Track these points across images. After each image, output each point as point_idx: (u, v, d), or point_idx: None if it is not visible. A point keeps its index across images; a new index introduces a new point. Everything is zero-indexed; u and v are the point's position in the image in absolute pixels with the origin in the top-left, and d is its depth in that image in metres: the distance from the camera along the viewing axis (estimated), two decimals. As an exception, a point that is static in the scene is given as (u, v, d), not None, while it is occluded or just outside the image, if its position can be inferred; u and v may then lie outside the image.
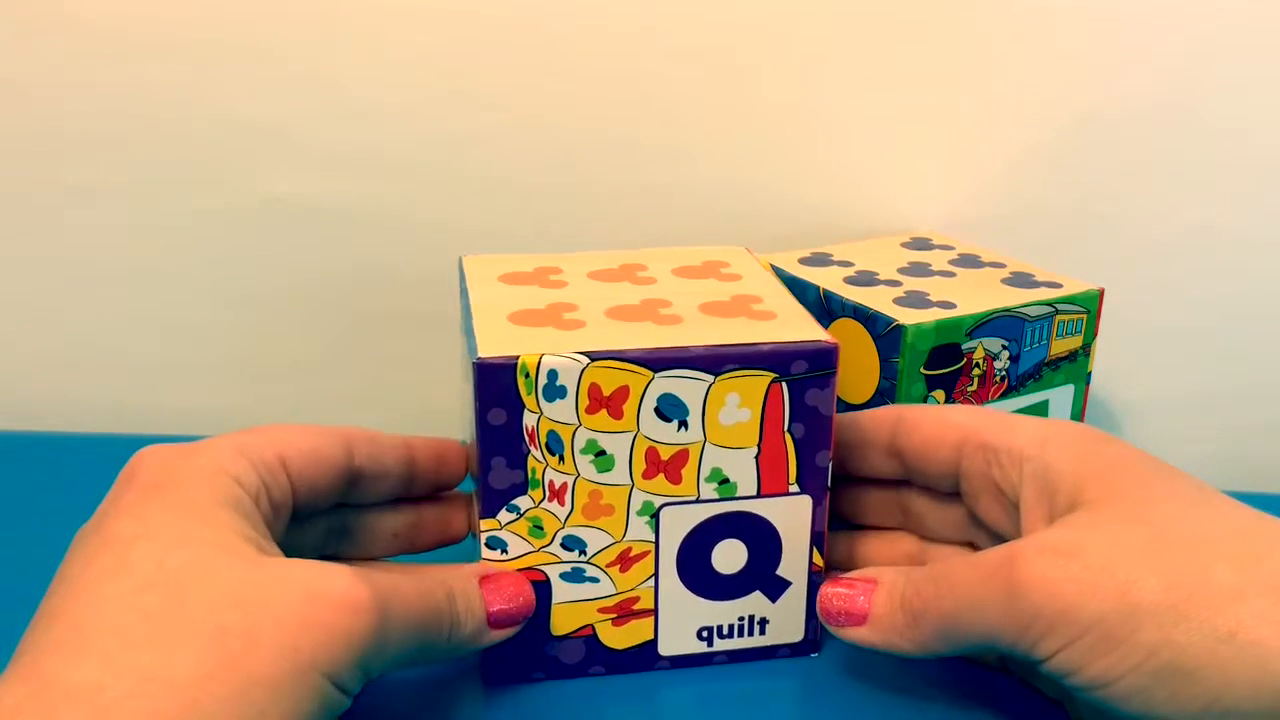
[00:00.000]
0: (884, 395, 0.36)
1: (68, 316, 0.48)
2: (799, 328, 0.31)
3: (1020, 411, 0.39)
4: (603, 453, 0.30)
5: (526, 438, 0.30)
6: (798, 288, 0.39)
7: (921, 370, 0.36)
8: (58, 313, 0.48)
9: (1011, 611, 0.26)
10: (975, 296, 0.38)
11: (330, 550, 0.33)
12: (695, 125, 0.46)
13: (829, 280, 0.39)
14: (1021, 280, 0.40)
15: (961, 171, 0.48)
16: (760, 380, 0.29)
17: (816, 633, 0.33)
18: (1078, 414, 0.41)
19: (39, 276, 0.48)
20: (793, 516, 0.32)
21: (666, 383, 0.29)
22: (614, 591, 0.31)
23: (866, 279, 0.40)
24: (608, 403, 0.29)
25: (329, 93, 0.45)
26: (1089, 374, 0.41)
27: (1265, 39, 0.46)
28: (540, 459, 0.30)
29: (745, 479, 0.31)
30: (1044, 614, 0.25)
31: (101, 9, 0.44)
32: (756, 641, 0.33)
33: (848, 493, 0.35)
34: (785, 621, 0.33)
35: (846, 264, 0.41)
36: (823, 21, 0.46)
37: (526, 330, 0.30)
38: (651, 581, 0.31)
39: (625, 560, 0.31)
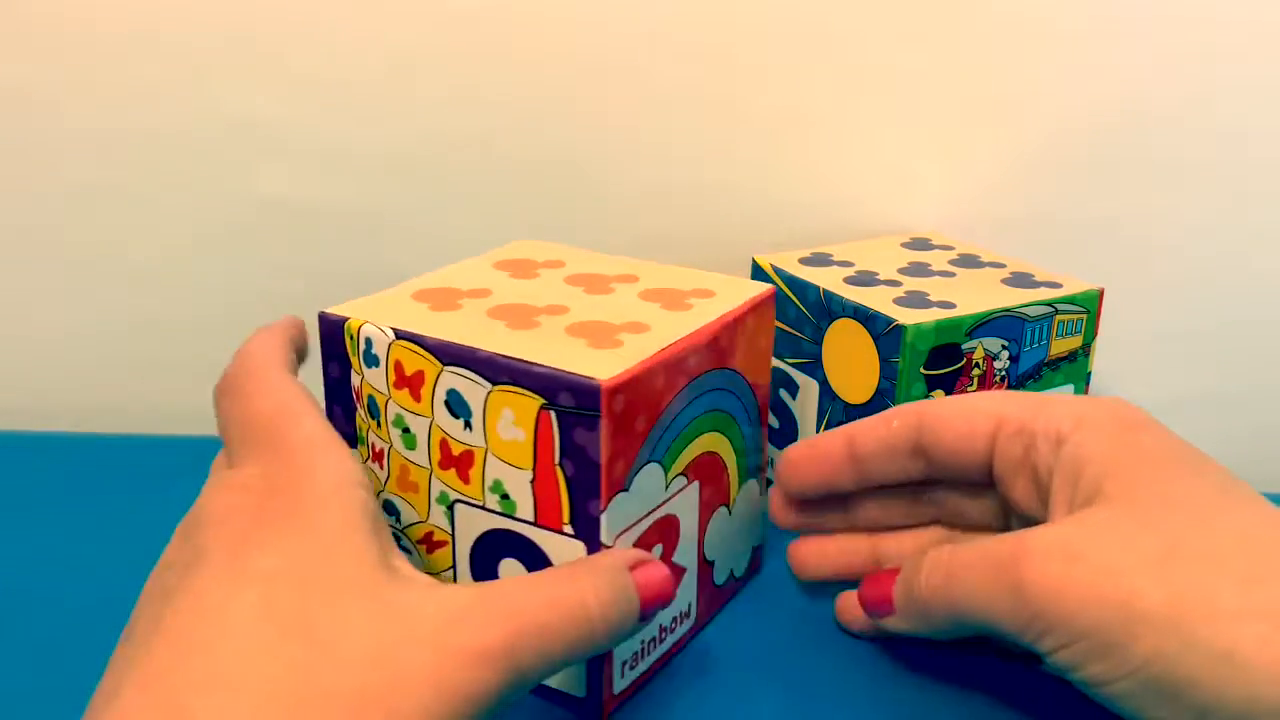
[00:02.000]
0: (883, 395, 0.36)
1: (68, 316, 0.48)
2: (594, 360, 0.28)
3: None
4: (408, 430, 0.30)
5: (354, 396, 0.31)
6: (798, 288, 0.40)
7: (921, 370, 0.36)
8: (58, 313, 0.48)
9: (1015, 608, 0.26)
10: (975, 296, 0.38)
11: None
12: (695, 126, 0.46)
13: (829, 280, 0.39)
14: (1022, 280, 0.40)
15: (961, 172, 0.48)
16: (531, 402, 0.28)
17: (603, 694, 0.30)
18: None
19: (39, 276, 0.48)
20: (567, 559, 0.29)
21: (453, 378, 0.29)
22: (424, 568, 0.32)
23: (867, 279, 0.40)
24: (409, 382, 0.30)
25: (329, 93, 0.45)
26: (1089, 374, 0.40)
27: (1265, 39, 0.46)
28: (365, 419, 0.31)
29: (523, 501, 0.29)
30: (1046, 615, 0.26)
31: (101, 9, 0.44)
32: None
33: (866, 505, 0.34)
34: (569, 670, 0.30)
35: (846, 264, 0.41)
36: (823, 22, 0.45)
37: (397, 302, 0.32)
38: (451, 573, 0.31)
39: (430, 543, 0.31)
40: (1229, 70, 0.46)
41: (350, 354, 0.31)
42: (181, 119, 0.46)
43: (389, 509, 0.32)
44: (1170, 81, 0.46)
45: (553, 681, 0.31)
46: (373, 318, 0.30)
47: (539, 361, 0.27)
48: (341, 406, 0.32)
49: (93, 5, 0.44)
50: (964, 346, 0.36)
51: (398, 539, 0.32)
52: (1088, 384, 0.40)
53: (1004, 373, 0.37)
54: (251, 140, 0.46)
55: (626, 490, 0.28)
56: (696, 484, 0.32)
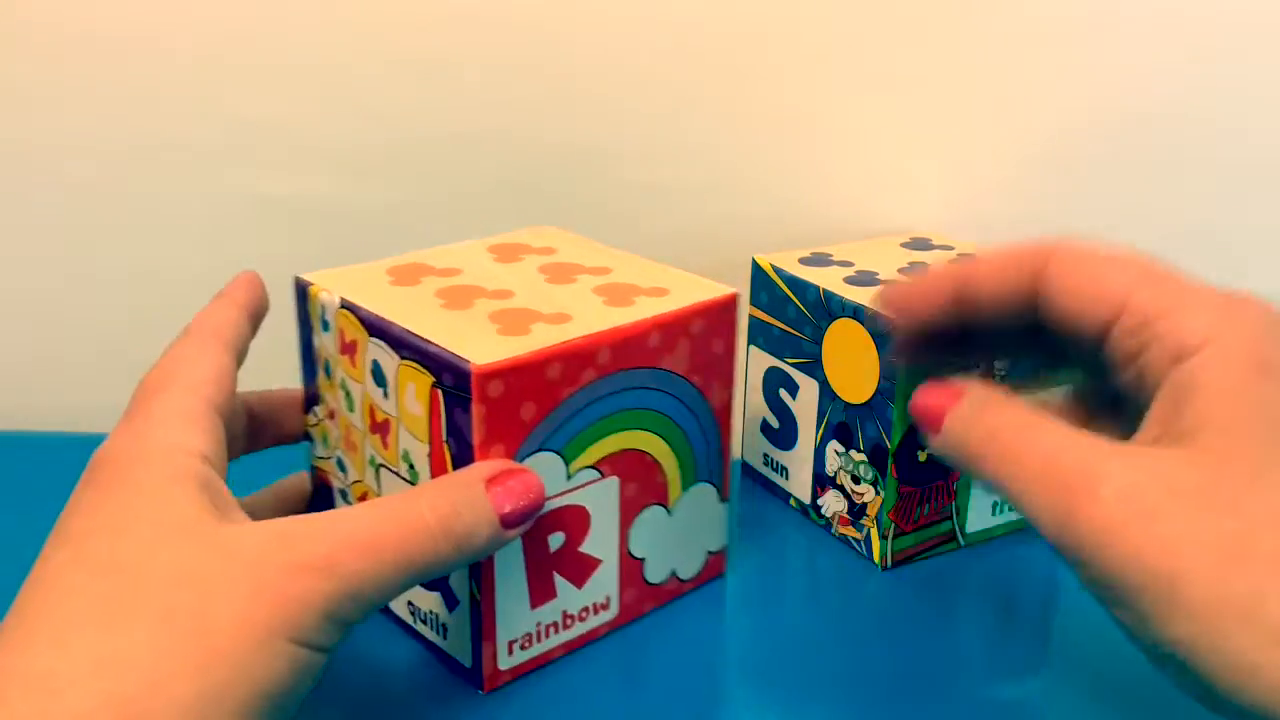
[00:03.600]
0: (883, 395, 0.36)
1: (68, 316, 0.49)
2: (486, 345, 0.29)
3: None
4: (349, 393, 0.33)
5: (317, 357, 0.34)
6: (798, 287, 0.40)
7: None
8: (58, 313, 0.49)
9: (1061, 531, 0.24)
10: None
11: None
12: (697, 126, 0.46)
13: (829, 280, 0.39)
14: None
15: (961, 173, 0.47)
16: (426, 378, 0.29)
17: (484, 667, 0.31)
18: None
19: (39, 276, 0.48)
20: None
21: (375, 349, 0.31)
22: (363, 526, 0.34)
23: (867, 279, 0.39)
24: (349, 349, 0.32)
25: (329, 93, 0.46)
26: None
27: (1265, 39, 0.46)
28: (324, 379, 0.34)
29: (423, 472, 0.30)
30: (1085, 547, 0.24)
31: (101, 10, 0.45)
32: (440, 641, 0.32)
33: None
34: (456, 638, 0.31)
35: (846, 264, 0.41)
36: (822, 22, 0.45)
37: (367, 274, 0.34)
38: (380, 531, 0.33)
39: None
40: (1229, 70, 0.46)
41: (313, 318, 0.33)
42: (182, 119, 0.46)
43: (340, 466, 0.34)
44: (1170, 82, 0.46)
45: (445, 646, 0.32)
46: (332, 286, 0.33)
47: (434, 341, 0.29)
48: (309, 366, 0.34)
49: (93, 5, 0.45)
50: None
51: (345, 495, 0.34)
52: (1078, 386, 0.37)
53: (1003, 373, 0.36)
54: (251, 140, 0.47)
55: (510, 474, 0.29)
56: (616, 479, 0.32)
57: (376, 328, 0.31)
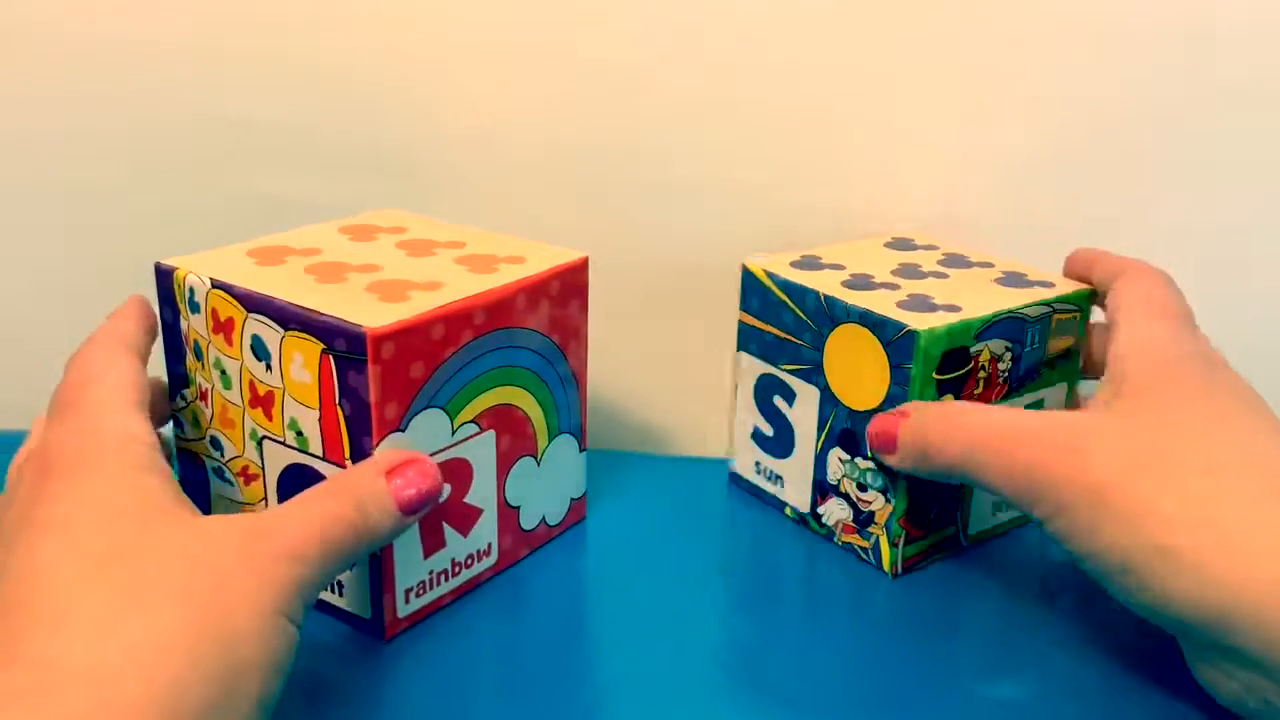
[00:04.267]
0: (894, 401, 0.36)
1: (67, 316, 0.47)
2: (373, 311, 0.31)
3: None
4: (224, 371, 0.34)
5: (184, 340, 0.35)
6: (795, 293, 0.39)
7: (934, 376, 0.35)
8: (58, 313, 0.48)
9: (1011, 475, 0.31)
10: (978, 299, 0.37)
11: None
12: (693, 125, 0.47)
13: (827, 285, 0.38)
14: (1015, 280, 0.40)
15: (959, 172, 0.48)
16: (315, 347, 0.31)
17: (384, 617, 0.33)
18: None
19: (39, 276, 0.49)
20: None
21: (256, 324, 0.32)
22: (243, 500, 0.35)
23: (864, 283, 0.39)
24: (223, 328, 0.33)
25: (329, 92, 0.46)
26: (1080, 370, 0.41)
27: (1264, 39, 0.45)
28: (193, 362, 0.35)
29: (314, 437, 0.32)
30: (1037, 486, 0.31)
31: (101, 9, 0.45)
32: (336, 600, 0.34)
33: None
34: (355, 593, 0.33)
35: (838, 267, 0.40)
36: (822, 22, 0.46)
37: (229, 256, 0.35)
38: (264, 504, 0.34)
39: (246, 476, 0.34)
40: (1228, 70, 0.46)
41: (179, 301, 0.34)
42: (181, 119, 0.47)
43: (214, 444, 0.35)
44: (1169, 81, 0.46)
45: (344, 603, 0.34)
46: (198, 269, 0.34)
47: (321, 311, 0.31)
48: (175, 350, 0.35)
49: (92, 6, 0.46)
50: (972, 349, 0.36)
51: (221, 472, 0.35)
52: (1076, 382, 0.40)
53: (1006, 374, 0.38)
54: (251, 140, 0.47)
55: (402, 430, 0.31)
56: (492, 433, 0.35)
57: (257, 304, 0.32)
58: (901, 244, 0.44)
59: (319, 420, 0.32)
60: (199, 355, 0.34)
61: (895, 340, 0.35)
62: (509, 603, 0.36)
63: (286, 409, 0.32)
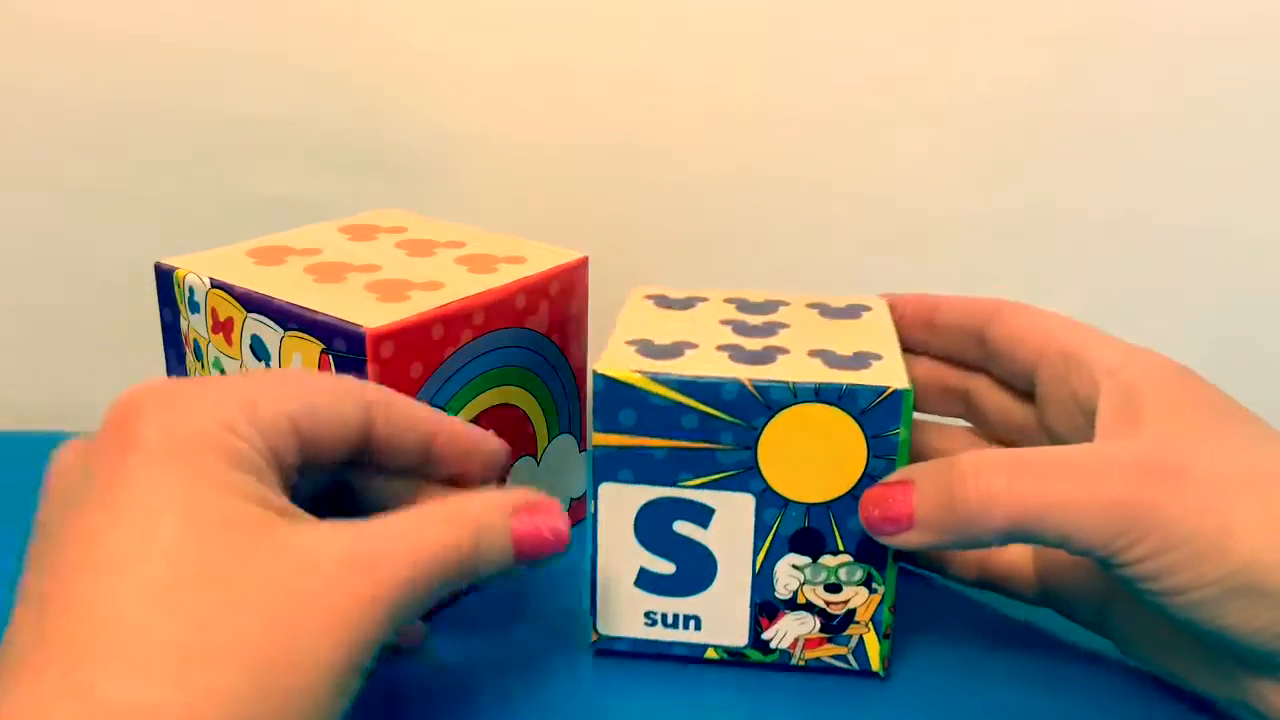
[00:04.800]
0: (873, 478, 0.31)
1: (68, 317, 0.49)
2: (373, 311, 0.31)
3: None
4: (224, 371, 0.34)
5: (184, 339, 0.35)
6: (701, 391, 0.31)
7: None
8: (58, 313, 0.49)
9: (1107, 519, 0.27)
10: (860, 338, 0.34)
11: (325, 503, 0.30)
12: (693, 125, 0.46)
13: (731, 368, 0.31)
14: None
15: (958, 172, 0.48)
16: (314, 347, 0.31)
17: None
18: None
19: (39, 276, 0.49)
20: None
21: (255, 325, 0.32)
22: (243, 501, 0.35)
23: (756, 357, 0.32)
24: (223, 328, 0.33)
25: (329, 92, 0.47)
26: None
27: (1263, 38, 0.45)
28: (193, 361, 0.35)
29: None
30: (1141, 524, 0.27)
31: (101, 9, 0.45)
32: None
33: (920, 365, 0.38)
34: None
35: (687, 345, 0.33)
36: (823, 22, 0.46)
37: (230, 256, 0.35)
38: (264, 502, 0.34)
39: (247, 475, 0.35)
40: (1228, 70, 0.46)
41: (179, 301, 0.34)
42: (181, 119, 0.47)
43: (215, 444, 0.35)
44: (1169, 81, 0.46)
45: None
46: (198, 269, 0.34)
47: (321, 311, 0.31)
48: (174, 350, 0.35)
49: (93, 5, 0.46)
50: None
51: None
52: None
53: None
54: (251, 140, 0.47)
55: (402, 430, 0.31)
56: (491, 432, 0.35)
57: (257, 304, 0.32)
58: (673, 302, 0.37)
59: (318, 420, 0.32)
60: (199, 355, 0.34)
61: (872, 407, 0.30)
62: (509, 601, 0.36)
63: (286, 409, 0.32)
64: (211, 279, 0.33)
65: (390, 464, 0.29)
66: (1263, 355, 0.49)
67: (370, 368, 0.30)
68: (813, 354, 0.32)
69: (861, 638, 0.33)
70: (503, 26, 0.47)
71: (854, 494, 0.31)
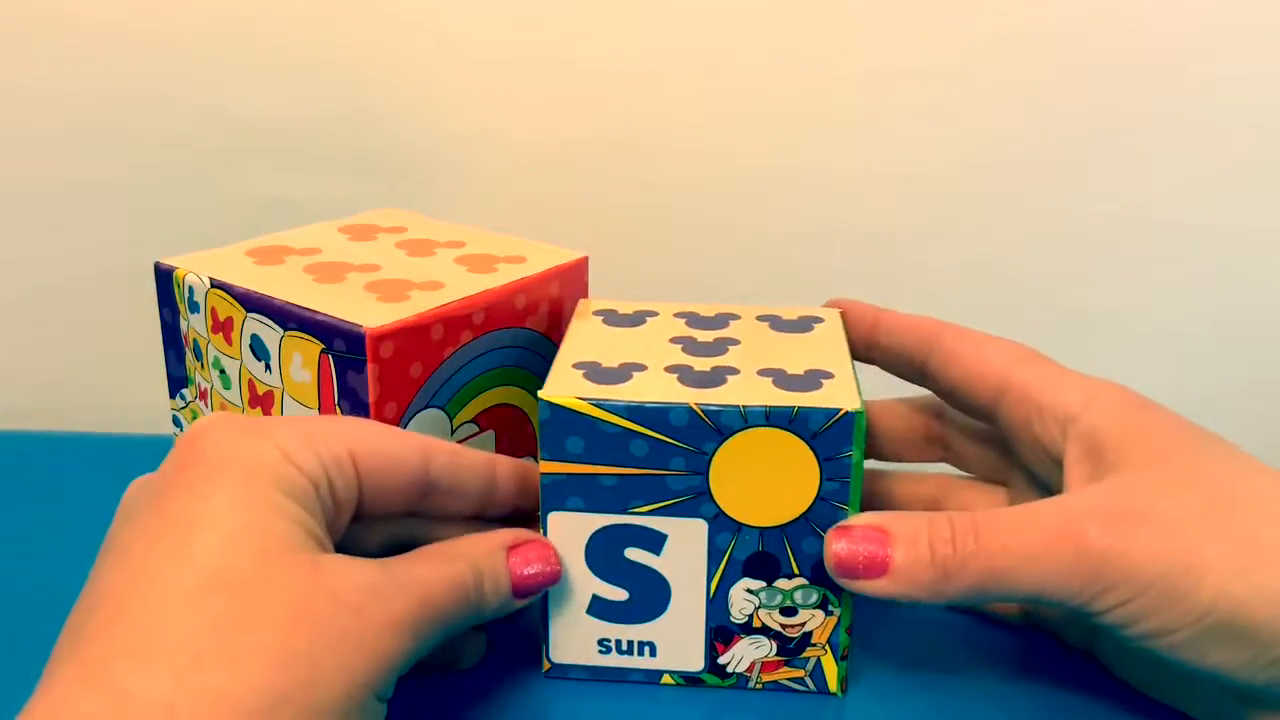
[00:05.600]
0: (827, 500, 0.30)
1: (68, 317, 0.49)
2: (373, 311, 0.31)
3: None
4: (224, 371, 0.34)
5: (184, 339, 0.35)
6: (649, 417, 0.30)
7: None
8: (58, 313, 0.49)
9: (1075, 571, 0.27)
10: (811, 355, 0.33)
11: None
12: (693, 125, 0.46)
13: (683, 393, 0.30)
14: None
15: (959, 172, 0.48)
16: (314, 346, 0.31)
17: None
18: None
19: (39, 275, 0.49)
20: None
21: (255, 324, 0.32)
22: (243, 500, 0.35)
23: (706, 379, 0.31)
24: (222, 327, 0.33)
25: (329, 92, 0.47)
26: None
27: (1262, 38, 0.46)
28: (192, 361, 0.35)
29: None
30: (1108, 574, 0.27)
31: (101, 8, 0.45)
32: None
33: (873, 410, 0.36)
34: None
35: (637, 367, 0.32)
36: (822, 22, 0.46)
37: (229, 256, 0.35)
38: (264, 502, 0.34)
39: (246, 475, 0.35)
40: (1228, 69, 0.46)
41: (179, 301, 0.34)
42: (181, 119, 0.47)
43: (214, 444, 0.35)
44: (1168, 80, 0.46)
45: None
46: (198, 269, 0.34)
47: (320, 310, 0.31)
48: (174, 350, 0.35)
49: (93, 6, 0.46)
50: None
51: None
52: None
53: None
54: (251, 140, 0.47)
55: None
56: (492, 433, 0.35)
57: (256, 303, 0.32)
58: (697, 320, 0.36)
59: (318, 420, 0.32)
60: (199, 355, 0.34)
61: (824, 430, 0.30)
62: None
63: (286, 409, 0.32)
64: (211, 279, 0.33)
65: (452, 508, 0.30)
66: (1263, 354, 0.50)
67: (370, 367, 0.30)
68: (763, 373, 0.31)
69: (819, 660, 0.32)
70: (503, 26, 0.47)
71: (807, 517, 0.31)
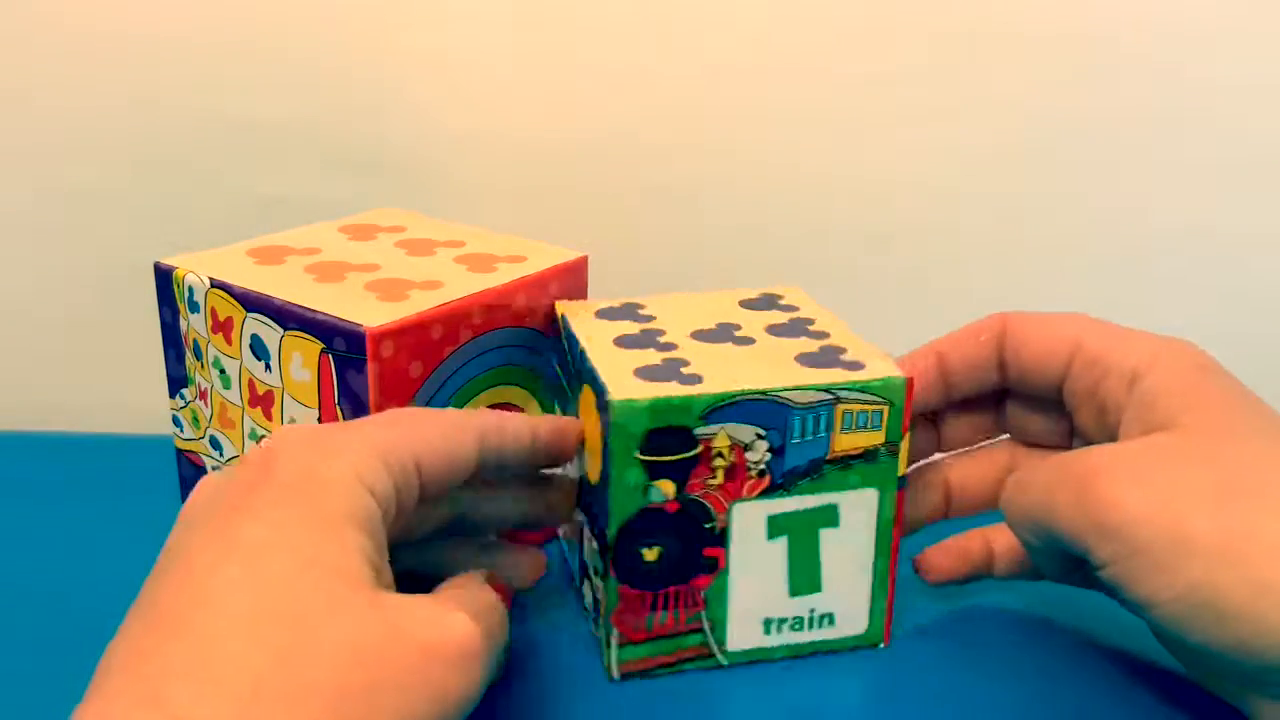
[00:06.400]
0: (605, 481, 0.30)
1: (68, 317, 0.49)
2: (373, 310, 0.31)
3: (806, 514, 0.32)
4: (224, 371, 0.34)
5: (184, 339, 0.35)
6: (569, 341, 0.33)
7: (637, 455, 0.30)
8: (58, 313, 0.49)
9: (1079, 514, 0.28)
10: (739, 372, 0.31)
11: (436, 538, 0.32)
12: (693, 125, 0.46)
13: (599, 337, 0.33)
14: (822, 357, 0.32)
15: (959, 172, 0.48)
16: (314, 346, 0.31)
17: None
18: (888, 523, 0.33)
19: (39, 276, 0.49)
20: None
21: (255, 324, 0.32)
22: (243, 500, 0.35)
23: (646, 340, 0.33)
24: (222, 327, 0.33)
25: (329, 92, 0.47)
26: (902, 477, 0.32)
27: (1262, 38, 0.46)
28: (192, 361, 0.35)
29: None
30: (1105, 525, 0.28)
31: (102, 10, 0.46)
32: None
33: (950, 422, 0.36)
34: None
35: (644, 318, 0.34)
36: (821, 23, 0.46)
37: (229, 256, 0.35)
38: (264, 502, 0.34)
39: (246, 475, 0.35)
40: (1228, 69, 0.46)
41: (178, 301, 0.34)
42: (181, 119, 0.47)
43: (214, 444, 0.35)
44: (1168, 80, 0.46)
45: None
46: (198, 269, 0.34)
47: (321, 310, 0.31)
48: (174, 350, 0.35)
49: (93, 6, 0.46)
50: (698, 432, 0.30)
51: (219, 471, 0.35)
52: (900, 488, 0.33)
53: (763, 467, 0.31)
54: (251, 140, 0.47)
55: (402, 430, 0.31)
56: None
57: (256, 303, 0.32)
58: (760, 302, 0.37)
59: (318, 420, 0.32)
60: (199, 355, 0.34)
61: (604, 409, 0.30)
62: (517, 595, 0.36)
63: (286, 409, 0.32)
64: (211, 279, 0.33)
65: (496, 477, 0.31)
66: (1263, 352, 0.49)
67: (370, 367, 0.30)
68: (668, 360, 0.32)
69: (606, 634, 0.32)
70: (502, 26, 0.47)
71: (604, 482, 0.31)
